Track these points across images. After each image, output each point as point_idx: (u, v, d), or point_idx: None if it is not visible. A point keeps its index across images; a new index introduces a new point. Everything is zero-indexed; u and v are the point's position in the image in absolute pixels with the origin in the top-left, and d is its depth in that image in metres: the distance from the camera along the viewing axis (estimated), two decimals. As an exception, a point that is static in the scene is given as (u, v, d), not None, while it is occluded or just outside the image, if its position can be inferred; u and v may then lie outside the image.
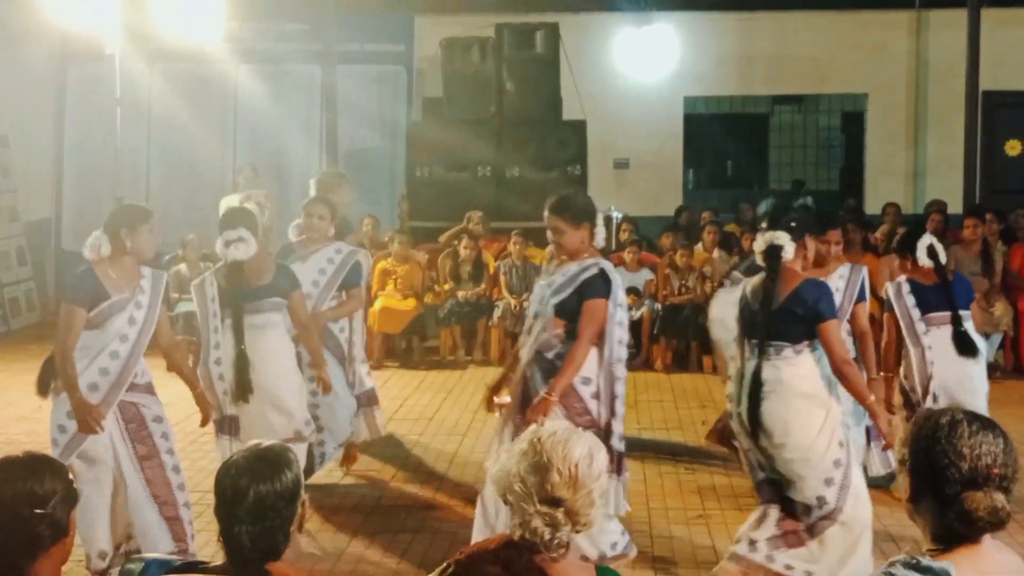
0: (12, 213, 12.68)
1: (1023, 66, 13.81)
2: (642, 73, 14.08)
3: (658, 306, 10.61)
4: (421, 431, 7.91)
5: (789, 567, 4.77)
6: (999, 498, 2.22)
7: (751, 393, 4.74)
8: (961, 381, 6.02)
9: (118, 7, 11.00)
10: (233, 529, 2.49)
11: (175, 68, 13.48)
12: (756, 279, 4.91)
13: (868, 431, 6.14)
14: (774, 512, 4.84)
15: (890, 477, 6.17)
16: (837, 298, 6.05)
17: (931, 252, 6.02)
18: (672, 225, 12.56)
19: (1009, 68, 13.72)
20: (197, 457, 6.96)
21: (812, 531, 4.76)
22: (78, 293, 4.92)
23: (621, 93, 13.96)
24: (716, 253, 11.06)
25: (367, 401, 6.91)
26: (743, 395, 4.81)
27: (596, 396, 4.96)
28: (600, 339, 4.96)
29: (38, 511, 2.40)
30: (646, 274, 10.97)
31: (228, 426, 5.64)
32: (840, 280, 5.97)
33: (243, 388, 5.53)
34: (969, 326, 6.10)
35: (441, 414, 8.54)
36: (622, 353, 5.04)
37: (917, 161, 14.34)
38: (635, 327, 9.88)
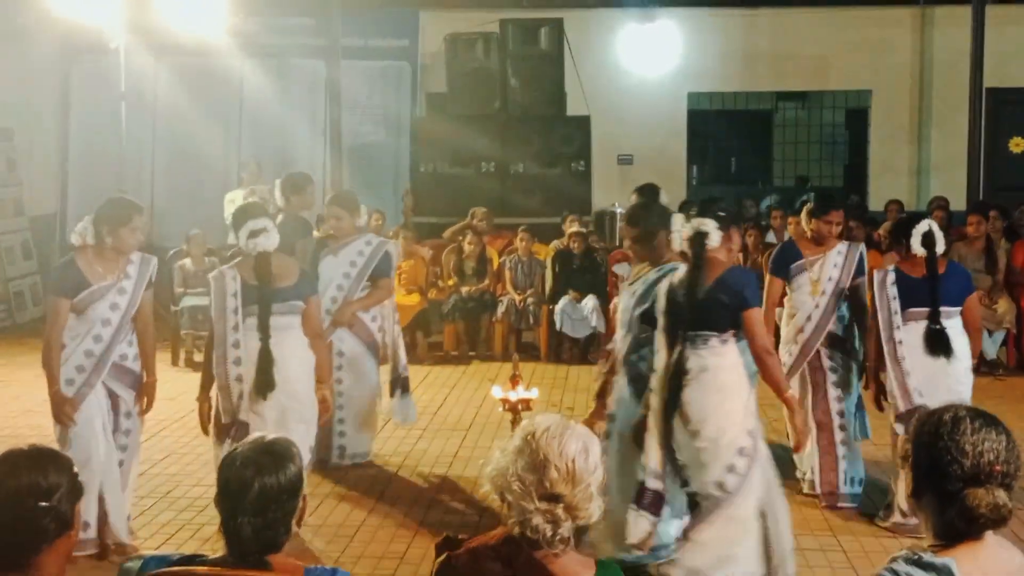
0: (17, 207, 12.70)
1: (1028, 63, 13.81)
2: (646, 69, 14.05)
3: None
4: (425, 426, 7.92)
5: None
6: (1001, 495, 2.21)
7: (672, 378, 4.63)
8: (935, 380, 5.58)
9: (123, 1, 11.03)
10: (236, 520, 2.49)
11: (179, 63, 13.47)
12: (682, 270, 4.80)
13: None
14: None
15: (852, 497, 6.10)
16: (835, 273, 6.16)
17: (927, 240, 5.59)
18: (675, 221, 12.52)
19: (1013, 65, 13.67)
20: (202, 451, 6.96)
21: (699, 518, 4.68)
22: (60, 284, 5.24)
23: (625, 89, 13.93)
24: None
25: (404, 386, 7.08)
26: (665, 384, 4.68)
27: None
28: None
29: (43, 504, 2.39)
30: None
31: (236, 432, 5.28)
32: (839, 256, 6.16)
33: (265, 385, 5.36)
34: (953, 324, 5.68)
35: (445, 409, 8.55)
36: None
37: (921, 158, 14.30)
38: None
